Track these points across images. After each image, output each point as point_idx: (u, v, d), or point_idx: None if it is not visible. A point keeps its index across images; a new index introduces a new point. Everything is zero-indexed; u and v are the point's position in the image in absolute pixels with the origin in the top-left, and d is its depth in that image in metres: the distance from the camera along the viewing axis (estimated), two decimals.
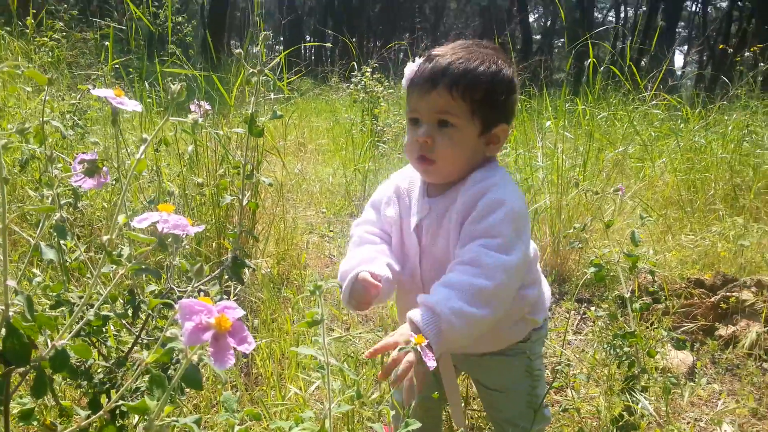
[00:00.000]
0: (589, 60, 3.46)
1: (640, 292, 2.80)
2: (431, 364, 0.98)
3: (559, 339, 2.54)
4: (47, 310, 1.09)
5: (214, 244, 2.41)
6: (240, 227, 1.36)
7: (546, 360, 2.33)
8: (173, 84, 0.95)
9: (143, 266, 0.95)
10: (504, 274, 1.14)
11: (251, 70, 1.41)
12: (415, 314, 1.10)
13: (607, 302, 1.66)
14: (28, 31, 6.65)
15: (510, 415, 1.44)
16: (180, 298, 1.13)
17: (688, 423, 1.86)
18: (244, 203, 1.39)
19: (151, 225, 0.91)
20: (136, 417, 1.14)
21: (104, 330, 1.18)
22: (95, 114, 3.52)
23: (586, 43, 3.54)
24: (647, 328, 2.61)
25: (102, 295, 1.00)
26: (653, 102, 4.35)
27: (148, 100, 2.92)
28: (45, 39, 6.35)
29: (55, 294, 1.09)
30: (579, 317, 2.83)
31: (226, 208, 2.47)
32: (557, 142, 3.27)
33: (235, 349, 0.62)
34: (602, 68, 3.34)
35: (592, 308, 2.90)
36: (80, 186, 1.07)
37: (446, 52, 1.27)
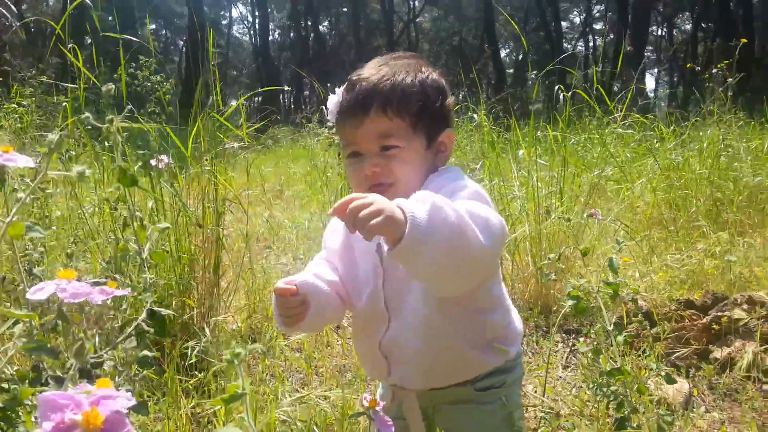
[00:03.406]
0: (557, 87, 3.42)
1: (628, 320, 2.69)
2: (388, 429, 0.85)
3: (548, 375, 2.41)
4: None
5: (175, 302, 2.28)
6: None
7: (530, 400, 2.20)
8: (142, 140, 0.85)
9: (38, 345, 0.82)
10: (498, 220, 1.01)
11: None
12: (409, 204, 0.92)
13: (591, 335, 1.54)
14: None
15: None
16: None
17: None
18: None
19: (50, 296, 0.79)
20: None
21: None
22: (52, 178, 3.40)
23: (558, 74, 3.51)
24: (639, 356, 2.50)
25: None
26: (625, 122, 4.32)
27: (103, 158, 2.83)
28: (14, 105, 6.29)
29: None
30: (568, 350, 2.70)
31: (189, 263, 2.35)
32: (531, 171, 3.19)
33: None
34: (570, 93, 3.29)
35: (581, 339, 2.78)
36: None
37: (367, 74, 1.20)
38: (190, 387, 2.04)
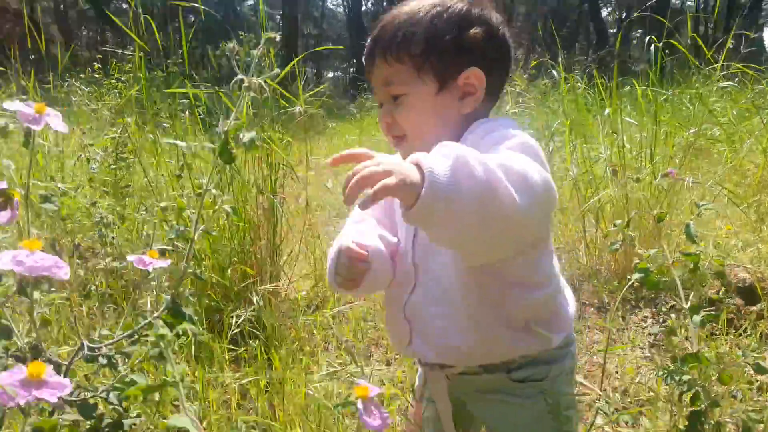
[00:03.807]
0: (647, 38, 3.08)
1: (727, 294, 2.40)
2: (375, 424, 0.72)
3: (627, 356, 2.20)
4: None
5: (232, 270, 2.25)
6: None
7: (608, 382, 2.00)
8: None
9: None
10: (543, 177, 0.83)
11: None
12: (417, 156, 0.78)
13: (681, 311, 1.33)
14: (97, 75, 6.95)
15: None
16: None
17: None
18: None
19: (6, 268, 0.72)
20: None
21: None
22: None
23: (666, 32, 3.15)
24: (738, 336, 2.22)
25: None
26: (734, 78, 3.86)
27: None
28: (113, 81, 6.59)
29: None
30: (658, 326, 2.45)
31: (248, 232, 2.31)
32: (619, 130, 2.91)
33: None
34: (662, 44, 2.95)
35: (672, 315, 2.52)
36: None
37: (387, 18, 1.07)
38: (245, 356, 2.01)
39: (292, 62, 2.42)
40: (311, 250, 2.67)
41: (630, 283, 1.24)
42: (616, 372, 2.13)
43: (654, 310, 2.62)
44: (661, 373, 1.14)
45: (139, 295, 2.06)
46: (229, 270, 2.24)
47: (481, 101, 1.05)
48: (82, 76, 7.14)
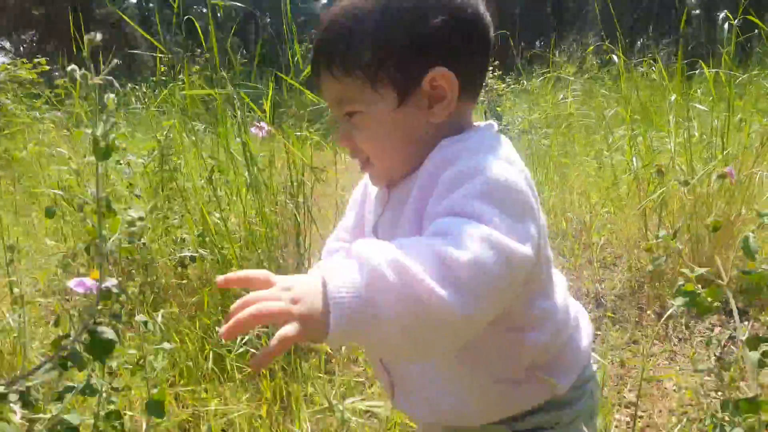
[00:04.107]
0: (721, 14, 2.76)
1: None
2: None
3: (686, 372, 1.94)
4: None
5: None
6: None
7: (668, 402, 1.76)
8: None
9: None
10: (490, 248, 0.64)
11: None
12: (326, 263, 0.66)
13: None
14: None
15: None
16: None
17: None
18: None
19: None
20: None
21: None
22: None
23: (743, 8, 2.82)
24: None
25: None
26: None
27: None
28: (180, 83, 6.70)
29: None
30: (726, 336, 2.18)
31: (274, 238, 2.20)
32: (685, 118, 2.62)
33: None
34: (737, 21, 2.62)
35: (746, 323, 2.23)
36: None
37: (327, 17, 0.86)
38: (275, 368, 1.90)
39: None
40: None
41: (672, 310, 1.03)
42: (674, 390, 1.89)
43: (723, 315, 2.34)
44: (709, 421, 0.93)
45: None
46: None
47: (456, 105, 0.83)
48: (153, 78, 7.28)
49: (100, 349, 0.86)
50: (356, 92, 0.83)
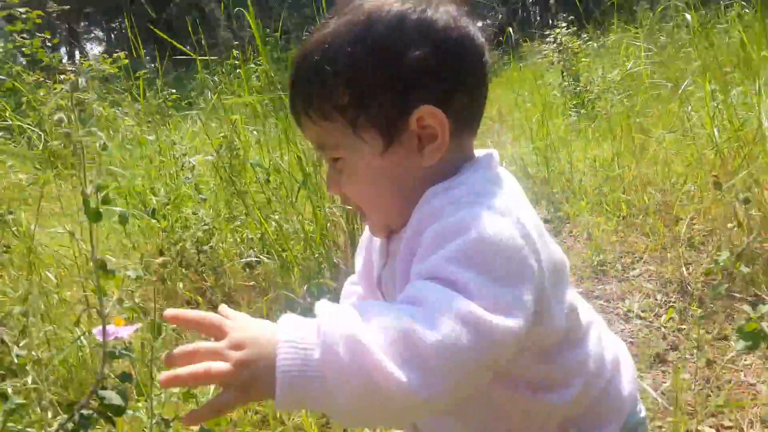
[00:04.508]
0: None
1: None
2: None
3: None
4: None
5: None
6: None
7: None
8: None
9: None
10: (463, 325, 0.58)
11: None
12: (286, 322, 0.60)
13: None
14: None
15: None
16: None
17: None
18: None
19: None
20: None
21: None
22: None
23: None
24: None
25: None
26: None
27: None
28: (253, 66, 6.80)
29: None
30: None
31: (328, 239, 2.18)
32: None
33: None
34: None
35: None
36: None
37: (302, 51, 0.77)
38: None
39: None
40: None
41: (734, 354, 0.90)
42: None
43: None
44: None
45: None
46: (313, 282, 2.13)
47: (449, 143, 0.74)
48: (228, 62, 7.45)
49: (111, 411, 0.86)
50: (338, 137, 0.76)
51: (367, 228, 0.96)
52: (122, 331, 0.94)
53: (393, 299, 0.79)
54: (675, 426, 1.55)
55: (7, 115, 4.86)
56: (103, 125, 5.95)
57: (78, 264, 2.17)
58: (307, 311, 0.62)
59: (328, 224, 2.21)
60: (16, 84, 5.80)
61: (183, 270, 2.62)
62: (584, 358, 0.80)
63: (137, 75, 7.68)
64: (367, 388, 0.55)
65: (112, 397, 0.86)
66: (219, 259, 2.53)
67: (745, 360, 1.86)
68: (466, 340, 0.57)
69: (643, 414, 0.90)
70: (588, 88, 5.79)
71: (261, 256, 2.27)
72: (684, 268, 2.41)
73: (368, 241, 0.94)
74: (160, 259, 2.29)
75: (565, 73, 6.39)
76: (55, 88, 5.94)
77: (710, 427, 1.61)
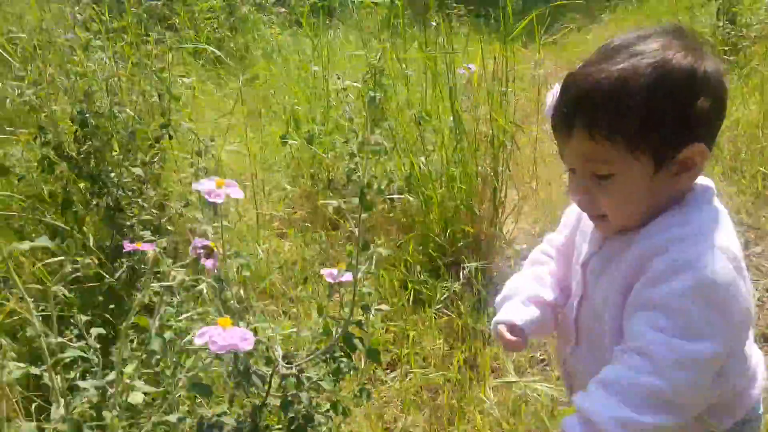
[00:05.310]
0: None
1: None
2: None
3: None
4: None
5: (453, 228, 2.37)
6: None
7: None
8: None
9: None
10: (683, 372, 0.84)
11: None
12: (571, 425, 0.88)
13: None
14: None
15: None
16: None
17: None
18: None
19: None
20: None
21: None
22: None
23: None
24: None
25: None
26: None
27: None
28: None
29: None
30: None
31: (472, 191, 2.39)
32: None
33: None
34: None
35: None
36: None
37: (586, 71, 0.93)
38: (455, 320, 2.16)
39: None
40: (538, 206, 2.66)
41: None
42: None
43: None
44: None
45: None
46: (449, 229, 2.37)
47: None
48: None
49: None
50: (613, 156, 0.90)
51: (573, 210, 1.15)
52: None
53: (598, 279, 1.02)
54: None
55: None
56: (249, 30, 6.25)
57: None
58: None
59: (478, 176, 2.40)
60: None
61: (330, 193, 2.94)
62: (738, 372, 1.00)
63: None
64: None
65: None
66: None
67: None
68: (689, 381, 0.86)
69: (761, 410, 1.08)
70: (744, 33, 5.38)
71: (406, 194, 2.52)
72: None
73: (576, 222, 1.12)
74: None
75: (720, 12, 5.89)
76: None
77: None
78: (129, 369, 0.97)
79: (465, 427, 1.74)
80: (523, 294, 1.14)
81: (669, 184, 0.92)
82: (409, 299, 2.22)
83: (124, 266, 1.75)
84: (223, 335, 0.93)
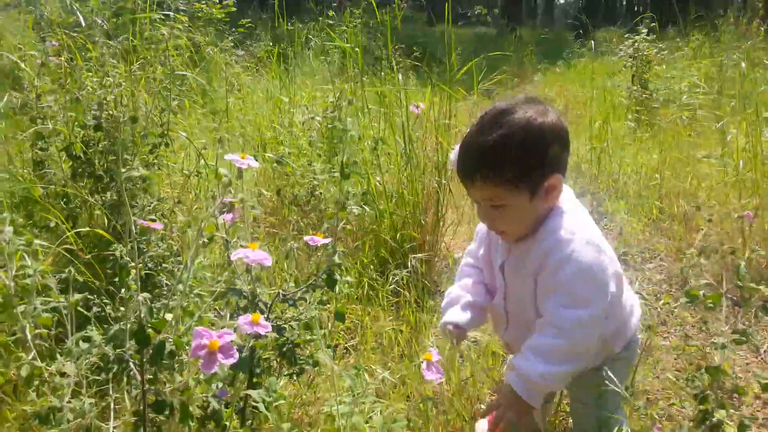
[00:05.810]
0: None
1: None
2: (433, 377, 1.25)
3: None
4: None
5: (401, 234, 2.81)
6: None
7: None
8: None
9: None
10: (580, 331, 1.33)
11: None
12: (513, 381, 1.37)
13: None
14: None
15: (579, 429, 1.59)
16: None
17: None
18: None
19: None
20: None
21: None
22: None
23: None
24: None
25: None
26: None
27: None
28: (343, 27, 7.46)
29: None
30: None
31: (418, 204, 2.84)
32: None
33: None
34: None
35: None
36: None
37: (473, 140, 1.37)
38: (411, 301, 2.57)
39: None
40: (472, 220, 3.13)
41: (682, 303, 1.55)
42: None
43: None
44: (685, 377, 1.46)
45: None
46: (399, 234, 2.81)
47: None
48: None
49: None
50: (505, 193, 1.34)
51: (481, 227, 1.60)
52: (322, 241, 1.61)
53: (514, 278, 1.48)
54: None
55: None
56: (213, 69, 6.63)
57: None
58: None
59: (423, 190, 2.86)
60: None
61: (294, 207, 3.34)
62: (619, 308, 1.50)
63: (241, 23, 8.33)
64: (558, 378, 1.37)
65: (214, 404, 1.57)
66: (324, 205, 3.23)
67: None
68: (584, 337, 1.36)
69: (638, 336, 1.61)
70: (653, 96, 6.16)
71: (363, 205, 2.95)
72: (690, 270, 3.01)
73: (487, 239, 1.58)
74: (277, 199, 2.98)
75: (635, 78, 6.64)
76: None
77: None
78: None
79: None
80: (462, 301, 1.58)
81: (542, 204, 1.39)
82: (363, 292, 2.62)
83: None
84: (253, 254, 1.33)
